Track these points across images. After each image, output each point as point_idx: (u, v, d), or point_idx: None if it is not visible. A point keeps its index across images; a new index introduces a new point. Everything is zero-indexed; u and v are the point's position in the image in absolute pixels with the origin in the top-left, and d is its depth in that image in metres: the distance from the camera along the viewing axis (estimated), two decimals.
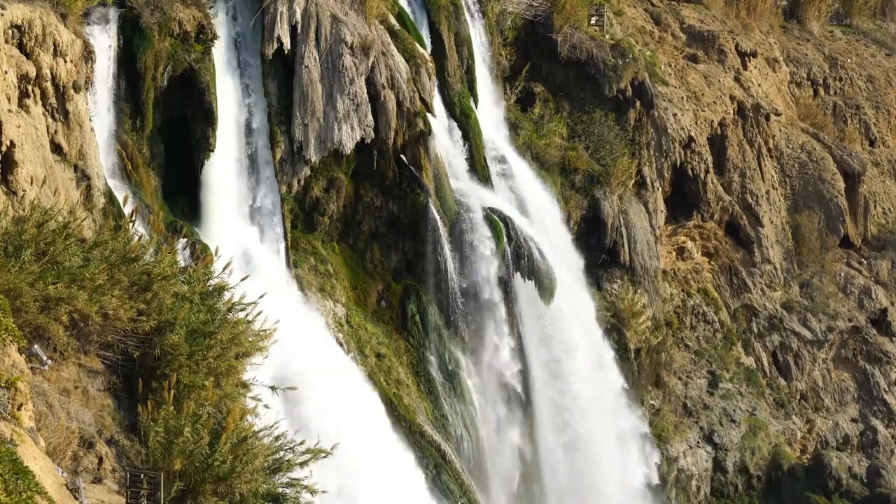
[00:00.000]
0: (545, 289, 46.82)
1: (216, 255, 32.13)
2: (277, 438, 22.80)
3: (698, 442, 55.67)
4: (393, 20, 45.49)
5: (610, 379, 50.56)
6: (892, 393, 62.24)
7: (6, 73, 30.12)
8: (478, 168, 47.86)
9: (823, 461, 58.41)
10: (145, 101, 37.69)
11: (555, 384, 47.95)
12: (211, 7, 39.85)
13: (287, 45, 41.17)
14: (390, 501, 36.98)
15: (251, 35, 41.23)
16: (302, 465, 22.99)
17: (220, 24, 40.31)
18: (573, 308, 48.99)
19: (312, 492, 23.14)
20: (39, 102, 32.02)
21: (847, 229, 64.42)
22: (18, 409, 18.38)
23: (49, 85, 32.41)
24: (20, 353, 19.57)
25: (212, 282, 25.65)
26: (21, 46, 31.49)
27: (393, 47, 43.90)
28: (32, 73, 31.50)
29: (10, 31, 31.05)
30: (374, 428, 39.38)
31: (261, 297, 25.68)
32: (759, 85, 65.25)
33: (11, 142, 29.43)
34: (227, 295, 25.37)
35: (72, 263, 22.46)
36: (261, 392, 25.21)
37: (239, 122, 40.80)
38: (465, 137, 47.73)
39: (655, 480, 52.04)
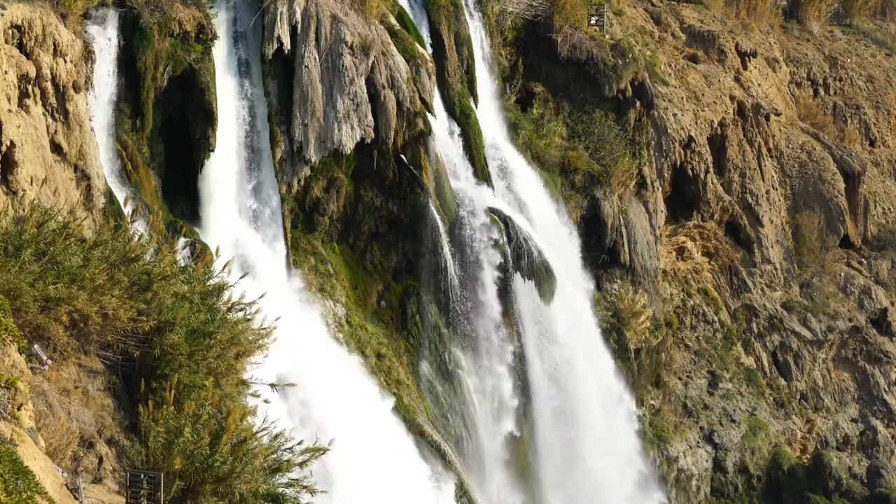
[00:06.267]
0: (545, 288, 46.83)
1: (216, 255, 32.14)
2: (276, 437, 22.80)
3: (698, 442, 55.68)
4: (393, 20, 45.49)
5: (609, 379, 50.57)
6: (892, 393, 62.25)
7: (6, 73, 30.13)
8: (478, 168, 47.85)
9: (823, 461, 58.41)
10: (145, 101, 37.70)
11: (554, 383, 47.95)
12: (211, 7, 39.85)
13: (287, 45, 41.18)
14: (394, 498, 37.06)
15: (251, 35, 41.24)
16: (301, 464, 22.99)
17: (220, 24, 40.32)
18: (573, 308, 48.98)
19: (312, 492, 23.15)
20: (39, 102, 32.03)
21: (847, 229, 64.43)
22: (18, 409, 18.38)
23: (49, 85, 32.42)
24: (20, 353, 19.56)
25: (211, 281, 25.64)
26: (21, 46, 31.50)
27: (393, 47, 43.91)
28: (32, 73, 31.51)
29: (10, 31, 31.05)
30: (377, 427, 39.43)
31: (261, 296, 25.68)
32: (759, 85, 65.25)
33: (11, 142, 29.45)
34: (226, 294, 25.36)
35: (72, 263, 22.45)
36: (260, 390, 25.21)
37: (239, 123, 40.81)
38: (465, 137, 47.71)
39: (654, 477, 52.06)
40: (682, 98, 58.83)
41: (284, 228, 41.39)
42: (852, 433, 60.72)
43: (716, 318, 59.07)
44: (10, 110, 29.89)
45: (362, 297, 44.18)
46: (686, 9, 66.52)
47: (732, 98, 61.46)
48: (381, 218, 44.32)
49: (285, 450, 22.93)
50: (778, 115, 64.78)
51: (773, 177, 63.02)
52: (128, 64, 37.46)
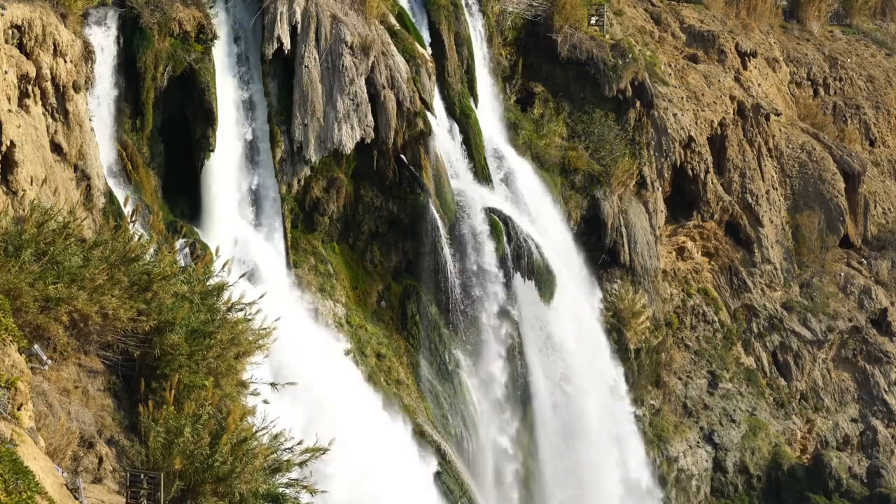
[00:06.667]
0: (545, 289, 46.82)
1: (216, 255, 32.15)
2: (276, 437, 22.79)
3: (698, 442, 55.68)
4: (393, 20, 45.49)
5: (609, 378, 50.56)
6: (892, 393, 62.25)
7: (6, 73, 30.13)
8: (478, 168, 47.86)
9: (823, 461, 58.42)
10: (145, 101, 37.70)
11: (554, 382, 47.94)
12: (211, 7, 39.85)
13: (287, 45, 41.17)
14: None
15: (251, 35, 41.24)
16: (301, 464, 22.99)
17: (220, 24, 40.32)
18: (573, 308, 48.97)
19: (312, 492, 23.15)
20: (39, 102, 32.03)
21: (847, 229, 64.44)
22: (18, 409, 18.38)
23: (49, 85, 32.41)
24: (20, 353, 19.56)
25: (211, 281, 25.63)
26: (21, 46, 31.49)
27: (393, 47, 43.91)
28: (32, 73, 31.51)
29: (10, 31, 31.05)
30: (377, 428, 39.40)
31: (261, 296, 25.68)
32: (759, 85, 65.25)
33: (11, 142, 29.45)
34: (226, 294, 25.36)
35: (72, 263, 22.44)
36: (261, 390, 25.20)
37: (239, 122, 40.80)
38: (465, 137, 47.72)
39: (654, 478, 52.06)
40: (682, 98, 58.83)
41: (284, 228, 41.39)
42: (852, 433, 60.72)
43: (716, 318, 59.08)
44: (10, 110, 29.89)
45: (362, 297, 44.19)
46: (686, 9, 66.52)
47: (732, 98, 61.47)
48: (381, 218, 44.31)
49: (285, 450, 22.93)
50: (778, 115, 64.78)
51: (773, 177, 63.02)
52: (128, 64, 37.46)
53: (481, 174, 47.86)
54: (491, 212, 46.02)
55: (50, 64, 32.17)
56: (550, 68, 54.54)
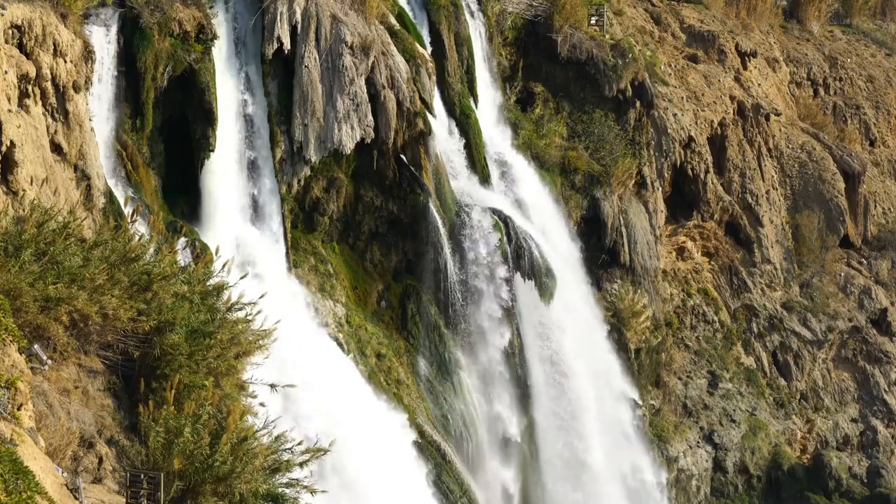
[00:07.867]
0: (545, 289, 46.82)
1: (216, 255, 32.14)
2: (277, 438, 22.79)
3: (698, 442, 55.67)
4: (393, 20, 45.51)
5: (611, 378, 50.56)
6: (892, 393, 62.25)
7: (6, 73, 30.13)
8: (478, 168, 47.86)
9: (823, 461, 58.42)
10: (145, 101, 37.71)
11: (554, 383, 47.93)
12: (211, 7, 39.86)
13: (287, 45, 41.18)
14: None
15: (251, 35, 41.24)
16: (301, 464, 22.98)
17: (220, 24, 40.33)
18: (573, 308, 48.96)
19: (312, 492, 23.14)
20: (39, 102, 32.04)
21: (847, 229, 64.44)
22: (18, 409, 18.38)
23: (49, 85, 32.43)
24: (20, 353, 19.56)
25: (211, 281, 25.63)
26: (21, 46, 31.51)
27: (393, 47, 43.92)
28: (32, 73, 31.52)
29: (10, 31, 31.06)
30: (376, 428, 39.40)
31: (261, 297, 25.68)
32: (759, 85, 65.25)
33: (11, 142, 29.46)
34: (226, 294, 25.35)
35: (72, 263, 22.44)
36: (260, 391, 25.19)
37: (239, 123, 40.81)
38: (465, 137, 47.73)
39: (657, 479, 52.03)
40: (682, 98, 58.83)
41: (284, 228, 41.39)
42: (852, 433, 60.72)
43: (716, 318, 59.08)
44: (10, 110, 29.90)
45: (362, 297, 44.19)
46: (686, 9, 66.52)
47: (732, 98, 61.46)
48: (381, 218, 44.32)
49: (285, 450, 22.92)
50: (778, 115, 64.78)
51: (773, 177, 63.02)
52: (128, 64, 37.46)
53: (481, 174, 47.87)
54: (491, 212, 46.03)
55: (50, 64, 32.18)
56: (550, 68, 54.54)
